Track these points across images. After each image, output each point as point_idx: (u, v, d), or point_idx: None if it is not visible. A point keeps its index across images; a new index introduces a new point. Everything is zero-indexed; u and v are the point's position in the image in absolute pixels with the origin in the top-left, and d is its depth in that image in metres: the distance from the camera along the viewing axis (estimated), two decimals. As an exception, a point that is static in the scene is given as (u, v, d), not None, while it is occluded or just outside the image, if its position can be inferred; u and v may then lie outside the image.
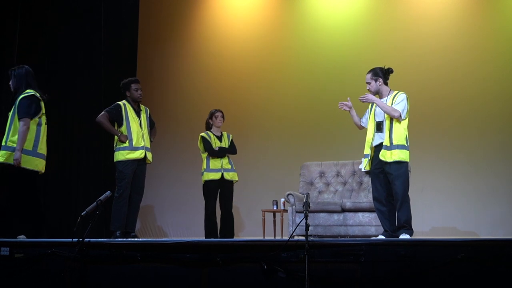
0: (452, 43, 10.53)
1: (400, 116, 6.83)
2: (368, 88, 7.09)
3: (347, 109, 7.21)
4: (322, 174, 9.27)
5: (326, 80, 11.00)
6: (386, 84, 7.09)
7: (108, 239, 7.14)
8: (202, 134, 8.80)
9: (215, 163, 8.69)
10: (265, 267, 5.53)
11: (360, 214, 8.43)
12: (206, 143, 8.70)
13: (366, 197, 8.81)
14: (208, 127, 8.92)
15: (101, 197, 5.69)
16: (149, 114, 8.25)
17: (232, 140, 8.95)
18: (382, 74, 7.10)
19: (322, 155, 10.06)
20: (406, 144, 6.85)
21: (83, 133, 10.52)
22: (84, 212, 5.56)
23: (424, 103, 10.15)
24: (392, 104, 6.91)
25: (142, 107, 8.16)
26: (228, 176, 8.72)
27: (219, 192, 8.78)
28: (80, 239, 5.64)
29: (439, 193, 10.11)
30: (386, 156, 6.84)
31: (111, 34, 10.98)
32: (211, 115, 8.88)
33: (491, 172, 10.01)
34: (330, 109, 10.90)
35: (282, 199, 9.68)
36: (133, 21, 11.59)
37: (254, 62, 11.45)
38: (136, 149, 7.89)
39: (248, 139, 11.04)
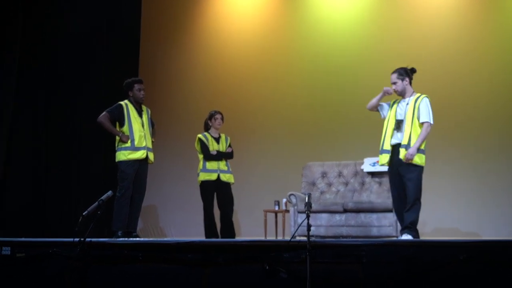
0: (453, 44, 10.50)
1: (430, 124, 6.91)
2: (394, 88, 7.11)
3: (387, 94, 7.18)
4: (324, 175, 9.27)
5: (328, 80, 10.98)
6: (411, 84, 7.14)
7: (109, 239, 7.14)
8: (199, 135, 8.76)
9: (212, 164, 8.65)
10: (267, 267, 5.52)
11: (362, 214, 8.42)
12: (203, 146, 8.66)
13: (368, 198, 8.80)
14: (207, 128, 8.87)
15: (103, 197, 5.69)
16: (150, 114, 8.24)
17: (230, 143, 8.91)
18: (409, 73, 7.14)
19: (324, 155, 10.04)
20: (423, 148, 6.91)
21: (85, 133, 10.51)
22: (86, 212, 5.56)
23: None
24: (414, 107, 6.97)
25: (144, 107, 8.15)
26: (224, 177, 8.68)
27: (217, 194, 8.74)
28: (82, 239, 5.63)
29: (441, 193, 10.08)
30: (403, 155, 6.88)
31: (113, 35, 10.96)
32: (211, 116, 8.83)
33: (493, 172, 9.99)
34: (332, 109, 10.92)
35: (284, 199, 9.65)
36: (136, 21, 11.58)
37: (257, 62, 11.44)
38: (138, 149, 7.89)
39: (250, 139, 11.03)
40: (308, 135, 10.94)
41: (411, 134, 6.92)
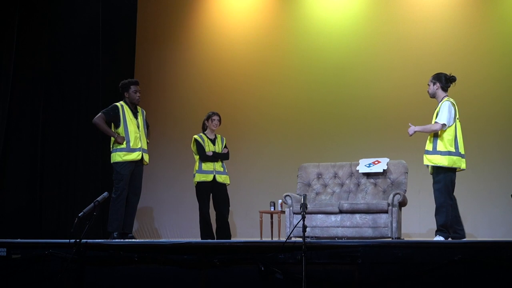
0: (450, 45, 10.52)
1: (443, 125, 7.19)
2: (427, 89, 7.54)
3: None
4: (320, 176, 9.26)
5: (323, 81, 11.00)
6: (444, 90, 7.44)
7: (105, 240, 7.14)
8: (196, 136, 8.77)
9: (207, 165, 8.66)
10: (263, 268, 5.53)
11: (357, 215, 8.42)
12: (199, 147, 8.67)
13: (363, 199, 8.80)
14: (204, 128, 8.89)
15: (98, 198, 5.69)
16: (145, 115, 8.25)
17: (225, 144, 8.92)
18: (443, 80, 7.45)
19: (319, 156, 10.05)
20: (453, 150, 7.20)
21: (81, 134, 10.51)
22: (81, 213, 5.56)
23: (421, 105, 10.14)
24: (437, 111, 7.30)
25: (139, 108, 8.16)
26: (220, 178, 8.70)
27: (212, 195, 8.76)
28: (77, 240, 5.63)
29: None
30: (426, 160, 7.29)
31: (109, 36, 10.95)
32: (208, 117, 8.83)
33: (488, 173, 10.01)
34: (327, 111, 10.93)
35: (280, 200, 9.67)
36: (131, 23, 11.59)
37: (252, 64, 11.44)
38: (133, 150, 7.90)
39: (246, 140, 11.04)
40: (304, 136, 10.95)
41: (436, 140, 7.29)
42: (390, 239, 8.15)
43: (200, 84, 11.62)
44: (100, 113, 7.95)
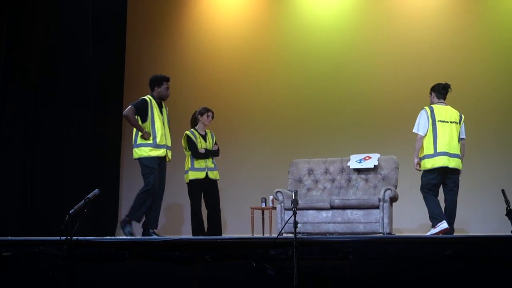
0: (444, 41, 10.54)
1: (419, 134, 7.62)
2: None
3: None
4: (311, 172, 9.28)
5: (315, 78, 11.00)
6: (439, 97, 7.73)
7: (96, 237, 7.11)
8: (187, 132, 8.74)
9: (199, 162, 8.64)
10: (254, 264, 5.53)
11: (348, 211, 8.44)
12: (191, 144, 8.64)
13: (354, 194, 8.81)
14: (195, 123, 8.85)
15: (89, 195, 5.67)
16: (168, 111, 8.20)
17: (215, 141, 8.91)
18: (436, 89, 7.74)
19: (310, 152, 10.06)
20: (431, 152, 7.56)
21: (73, 131, 10.44)
22: (72, 210, 5.54)
23: (415, 100, 10.14)
24: None
25: (164, 104, 8.10)
26: (212, 175, 8.69)
27: (204, 192, 8.73)
28: (68, 237, 5.61)
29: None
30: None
31: (99, 32, 10.88)
32: (202, 113, 8.79)
33: (480, 168, 10.03)
34: (318, 107, 10.94)
35: (271, 197, 9.65)
36: (121, 18, 11.53)
37: (244, 60, 11.43)
38: (159, 147, 7.83)
39: (237, 136, 11.04)
40: (295, 132, 10.96)
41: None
42: (382, 234, 8.17)
43: (191, 80, 11.59)
44: (130, 106, 7.84)
